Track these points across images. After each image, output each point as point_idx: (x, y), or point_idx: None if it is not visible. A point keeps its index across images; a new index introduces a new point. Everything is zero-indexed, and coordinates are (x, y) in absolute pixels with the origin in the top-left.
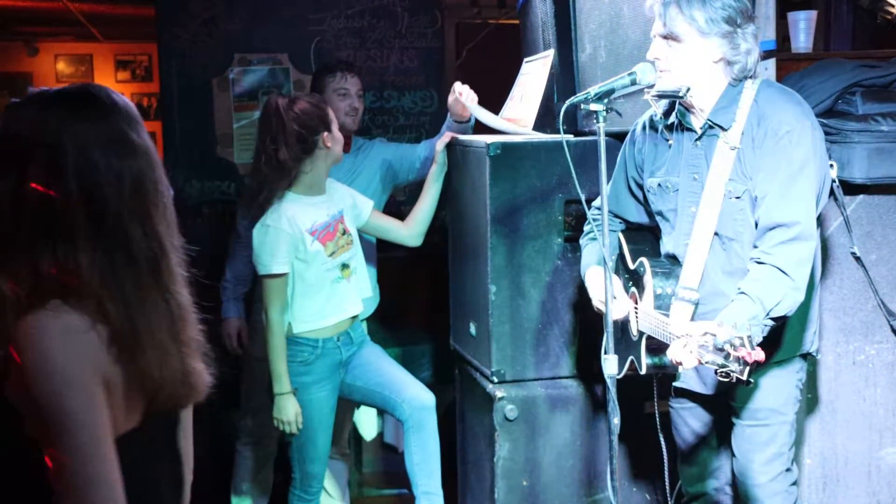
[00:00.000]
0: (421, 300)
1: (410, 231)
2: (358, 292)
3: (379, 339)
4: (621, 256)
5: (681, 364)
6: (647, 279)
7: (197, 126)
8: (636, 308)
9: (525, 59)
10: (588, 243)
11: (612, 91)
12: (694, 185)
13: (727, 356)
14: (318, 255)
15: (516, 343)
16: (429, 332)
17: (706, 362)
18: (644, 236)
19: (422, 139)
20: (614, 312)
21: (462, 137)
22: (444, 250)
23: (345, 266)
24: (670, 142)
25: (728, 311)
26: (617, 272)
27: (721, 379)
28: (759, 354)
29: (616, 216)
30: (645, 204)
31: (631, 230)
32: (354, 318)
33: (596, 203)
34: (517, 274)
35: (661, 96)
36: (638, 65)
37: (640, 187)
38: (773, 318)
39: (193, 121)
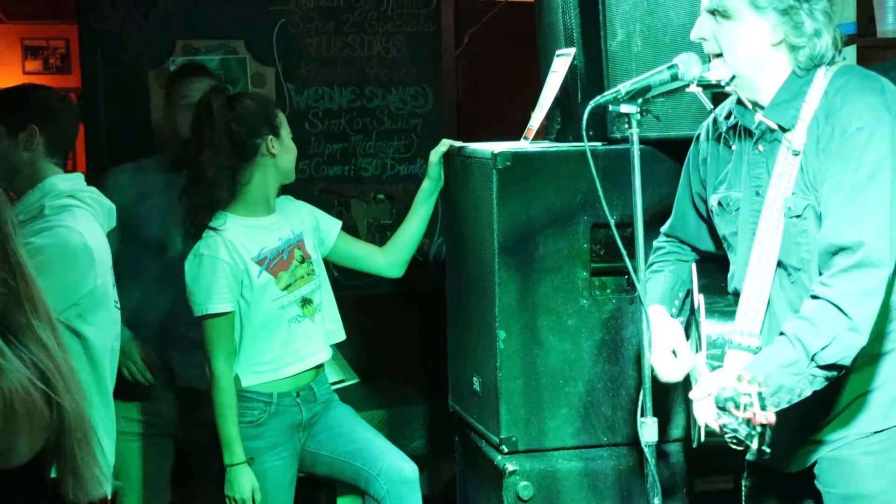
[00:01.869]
0: (411, 349)
1: (389, 259)
2: (325, 335)
3: (358, 398)
4: (689, 294)
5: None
6: (701, 321)
7: (129, 130)
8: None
9: (556, 53)
10: (651, 276)
11: (648, 88)
12: (756, 201)
13: (736, 418)
14: (267, 288)
15: (531, 403)
16: (421, 390)
17: (722, 426)
18: (720, 268)
19: (413, 147)
20: (671, 370)
21: (463, 145)
22: (440, 286)
23: (306, 302)
24: (733, 147)
25: (759, 358)
26: (687, 317)
27: (733, 447)
28: (768, 416)
29: (684, 243)
30: (714, 227)
31: (706, 261)
32: (319, 368)
33: (666, 227)
34: (532, 316)
35: (702, 86)
36: (681, 55)
37: (708, 206)
38: (823, 367)
39: (124, 123)
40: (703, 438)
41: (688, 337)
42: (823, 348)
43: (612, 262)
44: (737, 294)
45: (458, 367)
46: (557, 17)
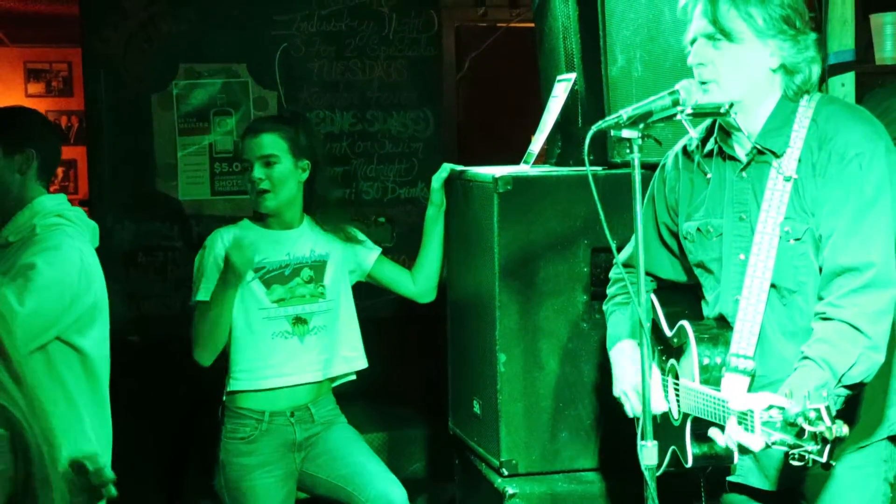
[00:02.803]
0: (411, 371)
1: (420, 288)
2: (321, 361)
3: (357, 420)
4: (654, 324)
5: (745, 449)
6: (691, 348)
7: (131, 153)
8: (676, 385)
9: (557, 78)
10: (614, 310)
11: (649, 114)
12: (741, 226)
13: (800, 433)
14: (255, 296)
15: (532, 426)
16: (421, 413)
17: (774, 443)
18: (682, 297)
19: (414, 170)
20: (656, 403)
21: (464, 169)
22: (440, 309)
23: (299, 321)
24: (709, 175)
25: (790, 383)
26: (700, 335)
27: (794, 464)
28: (843, 429)
29: (646, 273)
30: (681, 256)
31: (664, 290)
32: (319, 389)
33: (622, 256)
34: (532, 339)
35: (697, 114)
36: (682, 82)
37: (675, 235)
38: (847, 387)
39: (127, 147)
40: (690, 463)
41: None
42: (850, 368)
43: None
44: (721, 318)
45: (459, 390)
46: (558, 43)
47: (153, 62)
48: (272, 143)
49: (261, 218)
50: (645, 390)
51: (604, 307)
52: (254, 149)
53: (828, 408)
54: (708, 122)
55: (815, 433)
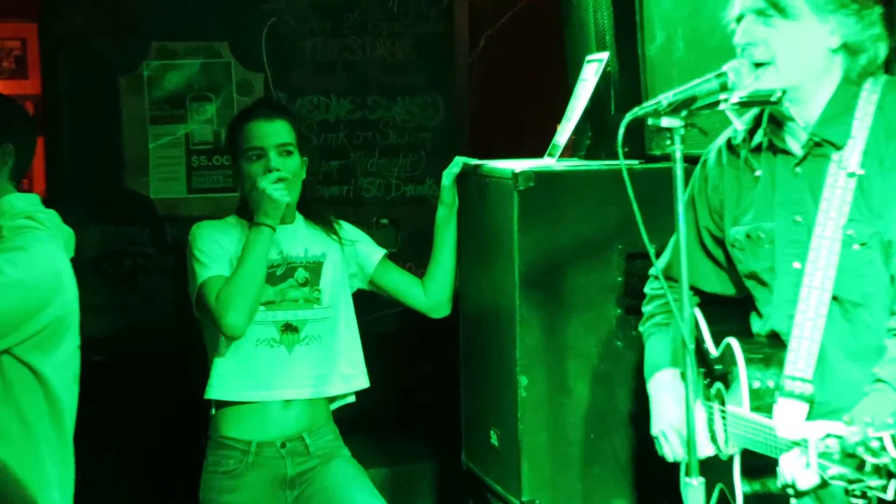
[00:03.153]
0: (419, 397)
1: (431, 301)
2: (312, 377)
3: (358, 454)
4: (697, 344)
5: (796, 485)
6: (739, 370)
7: (95, 145)
8: (723, 412)
9: (587, 58)
10: (652, 332)
11: (693, 99)
12: (796, 230)
13: (861, 466)
14: None
15: (558, 460)
16: (430, 445)
17: (832, 478)
18: (731, 312)
19: (421, 164)
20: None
21: (479, 163)
22: (452, 325)
23: (289, 328)
24: (758, 173)
25: (861, 409)
26: (750, 354)
27: (855, 501)
28: None
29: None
30: (728, 266)
31: (710, 304)
32: (316, 417)
33: (659, 266)
34: (558, 360)
35: (746, 103)
36: (731, 62)
37: (719, 242)
38: None
39: (90, 138)
40: (740, 503)
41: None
42: None
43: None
44: (774, 336)
45: (473, 419)
46: (588, 17)
47: (121, 40)
48: (288, 131)
49: (248, 215)
50: (689, 417)
51: (640, 328)
52: (270, 135)
53: (893, 436)
54: (756, 110)
55: (877, 465)
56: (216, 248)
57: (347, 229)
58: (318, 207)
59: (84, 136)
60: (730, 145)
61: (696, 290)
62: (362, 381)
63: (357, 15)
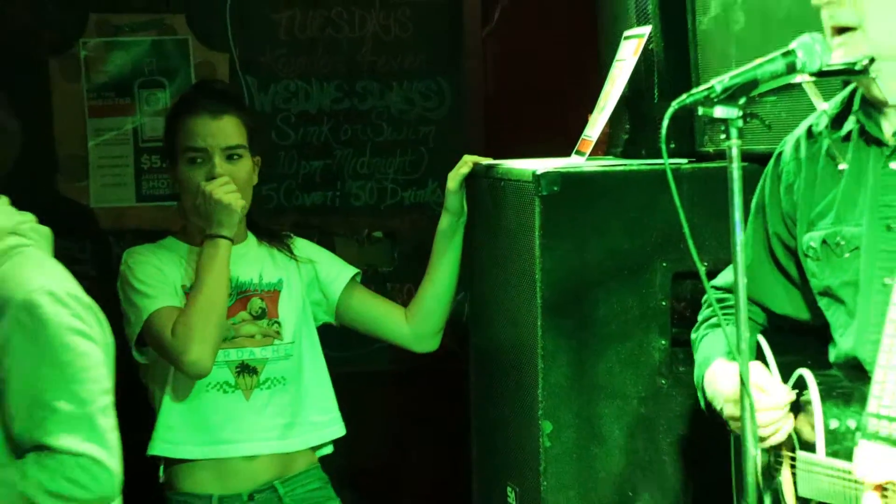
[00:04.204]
0: (421, 449)
1: (414, 330)
2: (277, 427)
3: None
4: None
5: None
6: (813, 407)
7: (23, 142)
8: (793, 460)
9: (624, 34)
10: (706, 333)
11: (754, 83)
12: (889, 239)
13: None
14: None
15: None
16: (434, 502)
17: None
18: (801, 341)
19: (422, 164)
20: (768, 403)
21: (493, 163)
22: (461, 362)
23: (245, 370)
24: (842, 166)
25: None
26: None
27: None
28: None
29: (751, 301)
30: (802, 283)
31: (779, 332)
32: (290, 462)
33: (720, 281)
34: (589, 401)
35: (824, 73)
36: (802, 37)
37: (793, 253)
38: None
39: (17, 132)
40: None
41: None
42: None
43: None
44: (855, 366)
45: (487, 473)
46: None
47: (52, 13)
48: (238, 129)
49: (190, 234)
50: (748, 474)
51: (692, 336)
52: (215, 135)
53: None
54: (845, 92)
55: None
56: (159, 276)
57: (302, 246)
58: (262, 220)
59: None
60: (810, 134)
61: (761, 307)
62: (337, 429)
63: None
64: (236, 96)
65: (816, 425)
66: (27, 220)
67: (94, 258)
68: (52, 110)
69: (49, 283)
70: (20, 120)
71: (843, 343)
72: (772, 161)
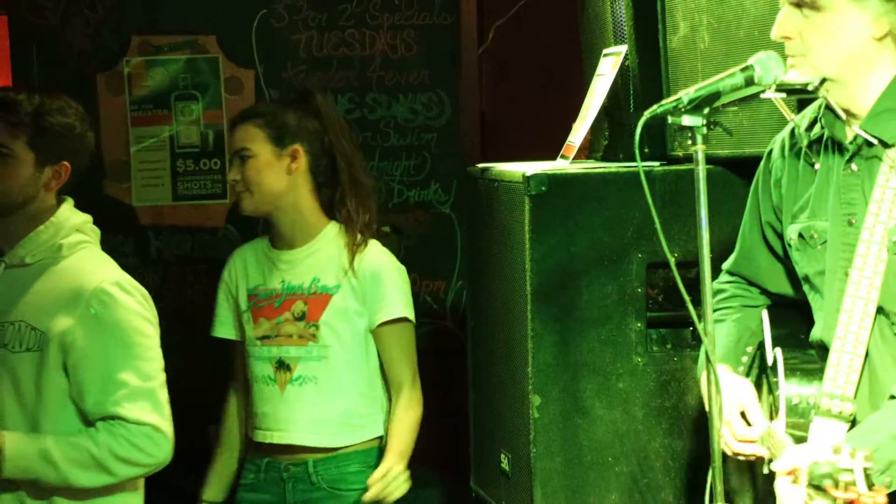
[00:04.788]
0: (425, 419)
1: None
2: (310, 423)
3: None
4: (761, 349)
5: None
6: (780, 383)
7: None
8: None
9: (604, 52)
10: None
11: (717, 95)
12: (849, 233)
13: (834, 501)
14: (246, 328)
15: (573, 486)
16: (436, 470)
17: None
18: (797, 316)
19: (425, 167)
20: (740, 441)
21: (488, 166)
22: (460, 342)
23: (282, 366)
24: (817, 166)
25: (865, 427)
26: (758, 375)
27: None
28: (875, 498)
29: (752, 284)
30: (790, 265)
31: (781, 307)
32: (323, 450)
33: (727, 263)
34: (574, 378)
35: (785, 90)
36: (758, 54)
37: (782, 239)
38: None
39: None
40: None
41: (759, 400)
42: None
43: (673, 310)
44: (823, 347)
45: (483, 441)
46: (605, 7)
47: (99, 34)
48: (245, 134)
49: (270, 230)
50: (713, 441)
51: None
52: (231, 143)
53: (867, 469)
54: (821, 99)
55: (848, 502)
56: (223, 299)
57: (372, 261)
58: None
59: None
60: (793, 134)
61: (761, 289)
62: (369, 432)
63: (355, 6)
64: (253, 109)
65: (781, 400)
66: (88, 220)
67: (137, 251)
68: (100, 120)
69: (115, 274)
70: None
71: (816, 327)
72: (764, 157)
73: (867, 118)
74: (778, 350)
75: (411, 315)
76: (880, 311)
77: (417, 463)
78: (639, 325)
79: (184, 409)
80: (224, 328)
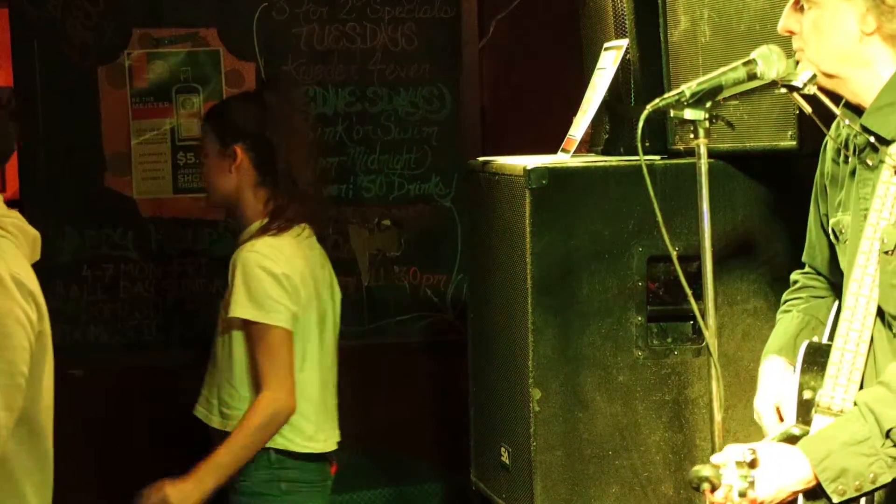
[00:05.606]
0: (425, 412)
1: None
2: (203, 397)
3: (360, 473)
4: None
5: None
6: (796, 377)
7: (73, 142)
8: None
9: (605, 46)
10: (779, 318)
11: (718, 89)
12: (867, 229)
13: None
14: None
15: (574, 479)
16: (437, 463)
17: None
18: None
19: (426, 161)
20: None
21: (489, 160)
22: (460, 335)
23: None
24: (850, 159)
25: (820, 434)
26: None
27: None
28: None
29: (820, 274)
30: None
31: None
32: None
33: (804, 255)
34: (574, 371)
35: (786, 87)
36: (760, 48)
37: None
38: None
39: (68, 133)
40: None
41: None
42: None
43: (674, 304)
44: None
45: (483, 435)
46: (606, 1)
47: (100, 28)
48: (202, 133)
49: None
50: (714, 435)
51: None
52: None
53: (747, 476)
54: None
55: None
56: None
57: (239, 259)
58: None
59: (60, 133)
60: (837, 126)
61: (828, 281)
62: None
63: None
64: (212, 109)
65: (794, 395)
66: (14, 217)
67: (136, 243)
68: (101, 113)
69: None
70: (72, 123)
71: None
72: (821, 150)
73: (867, 113)
74: (805, 344)
75: (259, 317)
76: (879, 310)
77: (415, 456)
78: (639, 318)
79: (186, 403)
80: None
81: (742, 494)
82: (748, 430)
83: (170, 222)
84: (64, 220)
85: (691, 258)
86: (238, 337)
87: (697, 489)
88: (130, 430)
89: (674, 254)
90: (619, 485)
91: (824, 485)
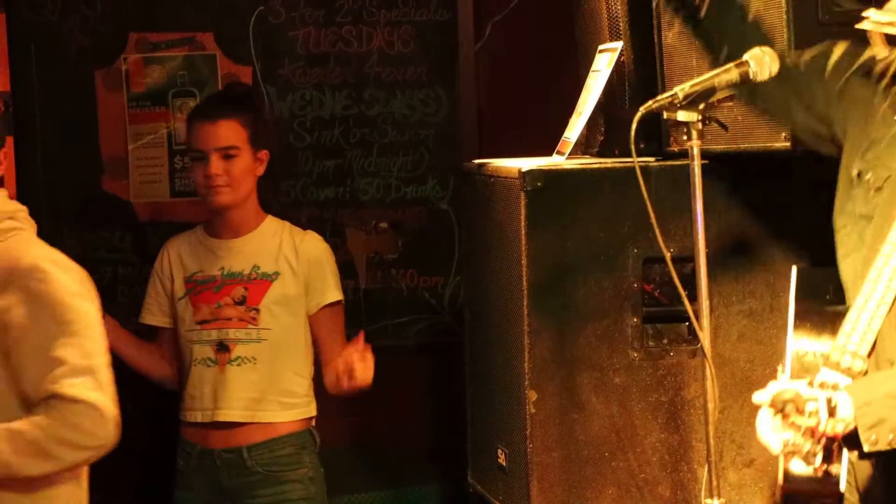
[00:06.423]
0: (422, 414)
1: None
2: (244, 400)
3: (357, 475)
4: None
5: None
6: (788, 333)
7: (70, 145)
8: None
9: (599, 48)
10: None
11: (712, 90)
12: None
13: (799, 429)
14: (184, 315)
15: (570, 480)
16: (433, 464)
17: (786, 445)
18: (824, 274)
19: (423, 163)
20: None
21: (485, 162)
22: (458, 337)
23: (222, 348)
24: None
25: (862, 382)
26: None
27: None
28: (835, 427)
29: None
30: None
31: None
32: (260, 430)
33: None
34: (570, 373)
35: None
36: (753, 50)
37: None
38: None
39: (65, 137)
40: (780, 482)
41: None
42: None
43: (669, 305)
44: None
45: (480, 436)
46: (600, 4)
47: (97, 31)
48: (233, 131)
49: (211, 221)
50: (710, 436)
51: None
52: (211, 138)
53: (832, 398)
54: None
55: (808, 428)
56: (155, 287)
57: (309, 249)
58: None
59: (57, 137)
60: (883, 73)
61: None
62: (302, 412)
63: (352, 2)
64: (239, 98)
65: (787, 352)
66: (22, 209)
67: (134, 247)
68: (97, 117)
69: (51, 253)
70: (69, 127)
71: (847, 268)
72: (846, 53)
73: None
74: (792, 302)
75: (340, 296)
76: None
77: (412, 457)
78: (635, 319)
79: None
80: (152, 315)
81: (832, 413)
82: (744, 430)
83: (167, 225)
84: (62, 224)
85: (686, 259)
86: (304, 325)
87: (782, 411)
88: (128, 431)
89: (668, 255)
90: (616, 486)
91: (860, 430)
